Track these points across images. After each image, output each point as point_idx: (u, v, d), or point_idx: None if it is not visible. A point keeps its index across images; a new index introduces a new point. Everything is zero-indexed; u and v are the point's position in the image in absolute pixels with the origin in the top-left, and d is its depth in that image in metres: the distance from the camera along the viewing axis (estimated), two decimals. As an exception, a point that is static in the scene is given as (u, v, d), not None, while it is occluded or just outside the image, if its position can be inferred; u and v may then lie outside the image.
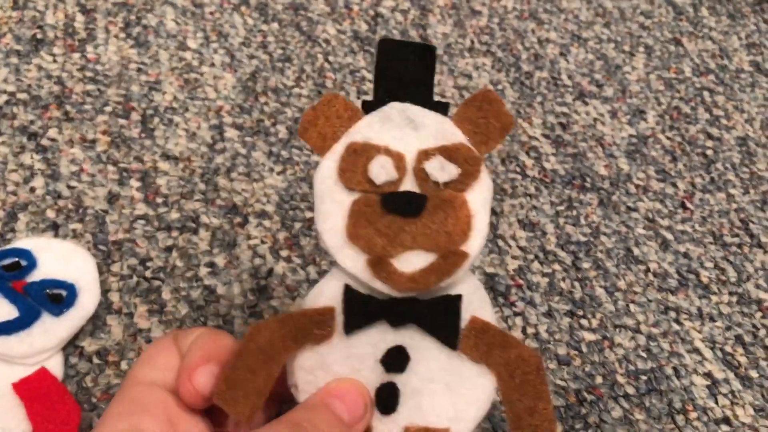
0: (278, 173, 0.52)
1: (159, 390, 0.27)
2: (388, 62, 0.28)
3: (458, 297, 0.26)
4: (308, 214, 0.50)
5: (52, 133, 0.51)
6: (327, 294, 0.27)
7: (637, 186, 0.56)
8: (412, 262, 0.26)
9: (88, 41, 0.58)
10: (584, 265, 0.51)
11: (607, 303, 0.49)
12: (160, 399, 0.27)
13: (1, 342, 0.39)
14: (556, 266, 0.50)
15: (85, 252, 0.44)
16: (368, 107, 0.28)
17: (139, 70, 0.57)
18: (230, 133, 0.54)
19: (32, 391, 0.39)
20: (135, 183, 0.50)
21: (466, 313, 0.26)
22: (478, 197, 0.27)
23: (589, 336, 0.47)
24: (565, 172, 0.56)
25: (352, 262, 0.26)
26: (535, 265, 0.50)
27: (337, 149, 0.27)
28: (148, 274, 0.45)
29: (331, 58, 0.61)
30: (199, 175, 0.51)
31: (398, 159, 0.26)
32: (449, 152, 0.27)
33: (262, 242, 0.48)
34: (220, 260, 0.47)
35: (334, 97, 0.28)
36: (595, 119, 0.61)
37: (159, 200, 0.49)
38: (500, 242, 0.51)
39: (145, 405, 0.26)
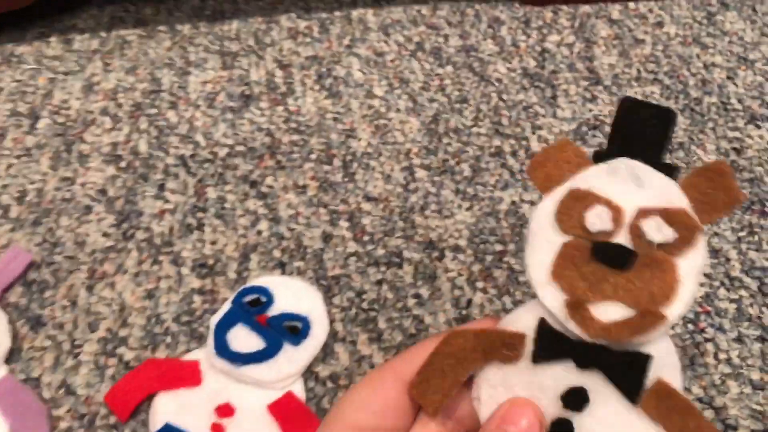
0: (466, 209, 0.57)
1: None
2: (626, 119, 0.29)
3: (648, 356, 0.27)
4: (498, 247, 0.55)
5: (269, 180, 0.59)
6: (522, 321, 0.28)
7: (819, 209, 0.57)
8: (609, 312, 0.27)
9: (289, 95, 0.65)
10: (771, 291, 0.52)
11: (797, 328, 0.50)
12: None
13: (254, 369, 0.46)
14: (743, 292, 0.52)
15: (311, 287, 0.51)
16: (599, 158, 0.29)
17: (335, 119, 0.63)
18: (420, 173, 0.59)
19: (283, 411, 0.45)
20: (344, 223, 0.56)
21: (654, 374, 0.27)
22: (690, 264, 0.27)
23: (781, 361, 0.49)
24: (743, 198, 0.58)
25: (552, 298, 0.27)
26: (722, 291, 0.52)
27: (559, 192, 0.28)
28: (364, 305, 0.51)
29: (504, 96, 0.65)
30: (398, 213, 0.57)
31: (616, 212, 0.28)
32: (669, 215, 0.27)
33: (459, 275, 0.53)
34: (424, 292, 0.52)
35: (567, 142, 0.29)
36: (769, 142, 0.62)
37: (366, 238, 0.55)
38: (684, 270, 0.53)
39: None
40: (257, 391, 0.46)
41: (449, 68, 0.68)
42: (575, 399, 0.27)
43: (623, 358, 0.27)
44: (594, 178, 0.28)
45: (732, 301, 0.52)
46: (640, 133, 0.28)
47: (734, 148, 0.61)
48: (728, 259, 0.54)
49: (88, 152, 0.61)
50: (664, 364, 0.27)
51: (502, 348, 0.28)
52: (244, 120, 0.63)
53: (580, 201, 0.28)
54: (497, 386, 0.28)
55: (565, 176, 0.28)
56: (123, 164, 0.60)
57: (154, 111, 0.64)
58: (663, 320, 0.26)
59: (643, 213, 0.27)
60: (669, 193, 0.28)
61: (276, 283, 0.51)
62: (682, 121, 0.63)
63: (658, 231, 0.27)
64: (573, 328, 0.27)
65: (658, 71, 0.68)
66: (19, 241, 0.54)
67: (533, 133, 0.62)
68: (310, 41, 0.70)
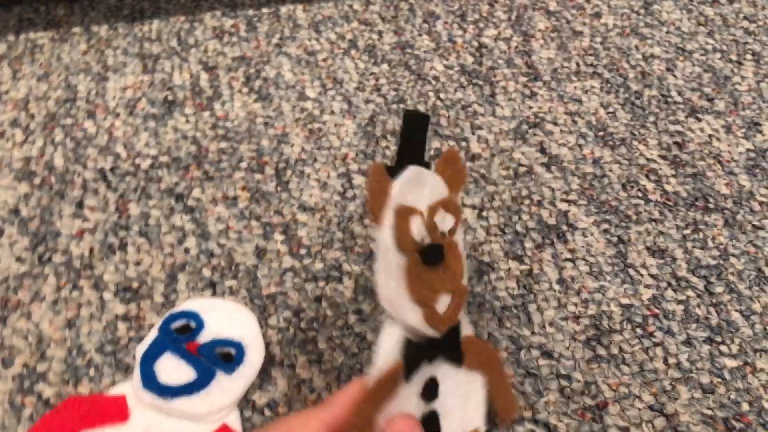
0: (407, 215, 0.55)
1: None
2: (404, 130, 0.32)
3: (459, 322, 0.32)
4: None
5: (196, 192, 0.55)
6: (391, 354, 0.30)
7: (760, 203, 0.57)
8: (443, 304, 0.31)
9: (215, 99, 0.62)
10: (717, 290, 0.51)
11: (744, 327, 0.50)
12: None
13: (185, 402, 0.43)
14: (690, 292, 0.51)
15: (245, 309, 0.48)
16: (392, 171, 0.31)
17: (266, 124, 0.60)
18: (358, 179, 0.57)
19: (218, 446, 0.42)
20: (279, 236, 0.53)
21: (462, 334, 0.32)
22: (460, 237, 0.32)
23: (730, 362, 0.48)
24: (687, 194, 0.57)
25: (413, 316, 0.30)
26: (669, 292, 0.51)
27: (387, 219, 0.30)
28: (303, 325, 0.48)
29: (442, 95, 0.63)
30: (336, 224, 0.54)
31: (422, 216, 0.31)
32: (445, 205, 0.32)
33: (402, 286, 0.51)
34: (366, 307, 0.50)
35: (376, 170, 0.31)
36: (710, 135, 0.61)
37: (302, 251, 0.52)
38: (631, 271, 0.52)
39: None
40: (190, 426, 0.43)
41: (384, 66, 0.65)
42: (430, 389, 0.31)
43: (450, 335, 0.32)
44: (401, 193, 0.31)
45: (679, 302, 0.51)
46: (412, 139, 0.32)
47: (676, 143, 0.60)
48: (674, 259, 0.53)
49: (-3, 168, 0.56)
50: (464, 321, 0.33)
51: (392, 389, 0.30)
52: (167, 128, 0.59)
53: (404, 218, 0.30)
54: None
55: (384, 201, 0.31)
56: (37, 180, 0.55)
57: (69, 121, 0.60)
58: (467, 291, 0.32)
59: (432, 210, 0.31)
60: (439, 186, 0.32)
61: (206, 307, 0.47)
62: (623, 116, 0.62)
63: (444, 222, 0.32)
64: (430, 333, 0.31)
65: (598, 64, 0.66)
66: None
67: (473, 133, 0.60)
68: (237, 41, 0.67)
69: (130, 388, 0.44)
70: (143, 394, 0.43)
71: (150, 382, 0.44)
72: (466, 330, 0.33)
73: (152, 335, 0.46)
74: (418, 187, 0.31)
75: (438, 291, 0.31)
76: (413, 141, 0.32)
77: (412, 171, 0.31)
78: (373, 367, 0.30)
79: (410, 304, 0.30)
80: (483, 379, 0.33)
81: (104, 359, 0.46)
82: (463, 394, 0.32)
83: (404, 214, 0.30)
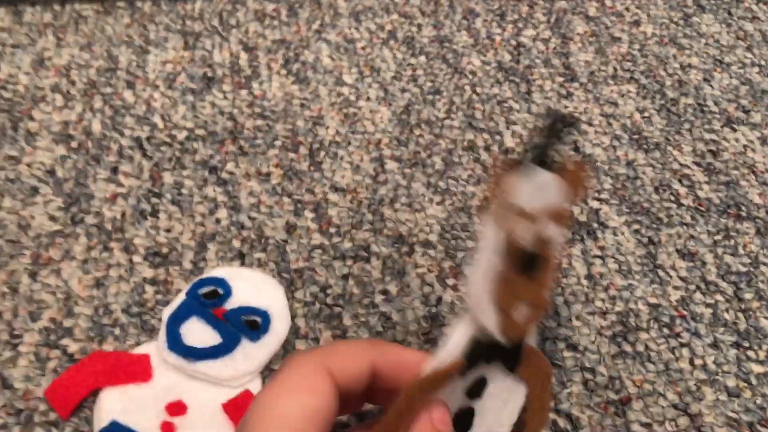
0: (437, 203, 0.55)
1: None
2: (551, 133, 0.31)
3: (524, 332, 0.32)
4: (469, 244, 0.52)
5: (230, 166, 0.55)
6: (459, 347, 0.31)
7: (794, 214, 0.56)
8: (521, 313, 0.30)
9: (253, 78, 0.62)
10: (746, 296, 0.51)
11: (772, 334, 0.49)
12: None
13: (208, 366, 0.43)
14: (719, 297, 0.51)
15: (273, 280, 0.48)
16: (518, 168, 0.30)
17: (302, 105, 0.60)
18: (390, 165, 0.57)
19: (239, 411, 0.42)
20: (309, 214, 0.53)
21: (526, 343, 0.32)
22: (556, 249, 0.31)
23: (757, 368, 0.47)
24: (719, 201, 0.56)
25: (489, 320, 0.30)
26: (698, 295, 0.51)
27: (503, 217, 0.30)
28: (329, 300, 0.48)
29: (478, 89, 0.63)
30: (366, 206, 0.54)
31: (532, 219, 0.29)
32: (559, 215, 0.30)
33: (429, 271, 0.51)
34: (392, 288, 0.50)
35: (503, 165, 0.30)
36: (744, 146, 0.61)
37: (332, 230, 0.52)
38: (660, 272, 0.52)
39: None
40: (212, 389, 0.43)
41: (422, 58, 0.66)
42: (477, 388, 0.32)
43: (515, 343, 0.31)
44: (524, 195, 0.30)
45: (707, 305, 0.50)
46: (551, 142, 0.30)
47: (710, 150, 0.60)
48: (704, 263, 0.52)
49: (36, 130, 0.57)
50: (530, 335, 0.32)
51: (442, 387, 0.31)
52: (205, 103, 0.60)
53: (520, 222, 0.29)
54: None
55: (505, 200, 0.30)
56: (74, 144, 0.56)
57: (109, 90, 0.60)
58: (548, 305, 0.33)
59: (544, 217, 0.30)
60: (559, 190, 0.31)
61: (234, 275, 0.47)
62: (658, 121, 0.62)
63: (550, 230, 0.30)
64: (500, 339, 0.30)
65: (635, 70, 0.66)
66: (-44, 222, 0.50)
67: (507, 128, 0.60)
68: (278, 24, 0.67)
69: (155, 349, 0.44)
70: (168, 354, 0.43)
71: (175, 343, 0.44)
72: (531, 340, 0.33)
73: (180, 299, 0.46)
74: (540, 192, 0.30)
75: (520, 299, 0.31)
76: (551, 144, 0.31)
77: (541, 175, 0.30)
78: (436, 354, 0.31)
79: (492, 306, 0.30)
80: (526, 391, 0.33)
81: (130, 320, 0.47)
82: (504, 400, 0.33)
83: (521, 217, 0.30)
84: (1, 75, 0.60)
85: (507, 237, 0.29)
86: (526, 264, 0.30)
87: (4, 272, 0.48)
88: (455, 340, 0.31)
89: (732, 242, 0.54)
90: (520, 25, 0.70)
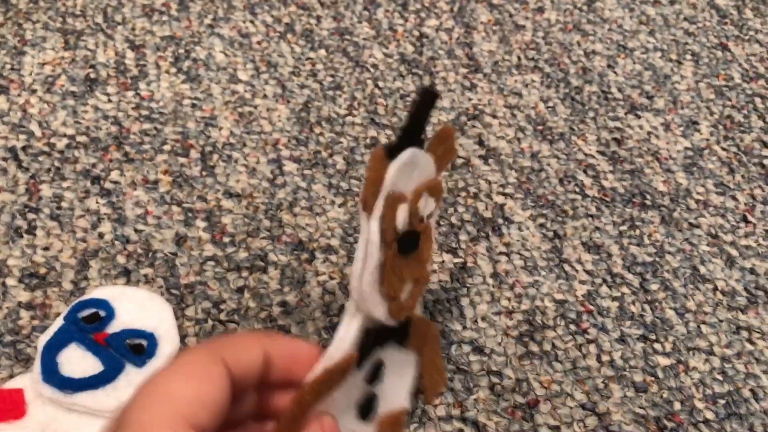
0: (339, 205, 0.52)
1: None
2: (419, 110, 0.30)
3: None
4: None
5: (114, 175, 0.52)
6: (348, 341, 0.29)
7: (697, 201, 0.56)
8: (406, 292, 0.31)
9: (140, 78, 0.58)
10: (652, 287, 0.50)
11: (678, 325, 0.49)
12: None
13: (89, 397, 0.40)
14: (625, 289, 0.50)
15: (160, 298, 0.45)
16: (392, 151, 0.29)
17: (193, 106, 0.57)
18: (289, 166, 0.54)
19: (123, 444, 0.39)
20: (201, 223, 0.50)
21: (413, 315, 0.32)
22: (434, 220, 0.32)
23: (663, 361, 0.47)
24: (624, 190, 0.56)
25: (380, 310, 0.29)
26: (604, 289, 0.50)
27: (377, 209, 0.28)
28: (222, 317, 0.46)
29: (380, 84, 0.61)
30: (263, 211, 0.51)
31: (406, 200, 0.29)
32: (430, 188, 0.31)
33: (330, 278, 0.49)
34: (291, 299, 0.47)
35: (376, 157, 0.29)
36: (648, 133, 0.60)
37: (226, 240, 0.49)
38: (566, 267, 0.51)
39: None
40: (94, 422, 0.40)
41: (322, 52, 0.63)
42: (375, 373, 0.31)
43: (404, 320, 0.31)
44: (395, 178, 0.29)
45: (614, 299, 0.50)
46: (420, 119, 0.30)
47: (615, 139, 0.60)
48: (610, 255, 0.52)
49: None
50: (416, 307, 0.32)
51: (337, 384, 0.29)
52: (87, 107, 0.56)
53: (392, 208, 0.29)
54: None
55: (378, 190, 0.29)
56: (-61, 158, 0.51)
57: (-20, 96, 0.56)
58: (428, 279, 0.32)
59: (417, 194, 0.30)
60: (429, 166, 0.31)
61: (118, 295, 0.44)
62: (562, 110, 0.61)
63: (426, 207, 0.31)
64: (391, 323, 0.30)
65: (539, 58, 0.65)
66: None
67: (411, 122, 0.58)
68: (167, 20, 0.63)
69: (29, 381, 0.41)
70: (43, 387, 0.40)
71: (51, 374, 0.40)
72: (417, 310, 0.33)
73: (57, 324, 0.42)
74: (410, 170, 0.30)
75: (406, 280, 0.30)
76: (421, 121, 0.30)
77: (408, 154, 0.29)
78: (327, 353, 0.29)
79: (379, 297, 0.29)
80: (417, 358, 0.33)
81: (2, 350, 0.43)
82: (400, 374, 0.33)
83: (393, 203, 0.29)
84: None
85: (383, 225, 0.28)
86: (407, 245, 0.30)
87: None
88: (342, 336, 0.30)
89: (637, 232, 0.53)
90: (423, 14, 0.68)
